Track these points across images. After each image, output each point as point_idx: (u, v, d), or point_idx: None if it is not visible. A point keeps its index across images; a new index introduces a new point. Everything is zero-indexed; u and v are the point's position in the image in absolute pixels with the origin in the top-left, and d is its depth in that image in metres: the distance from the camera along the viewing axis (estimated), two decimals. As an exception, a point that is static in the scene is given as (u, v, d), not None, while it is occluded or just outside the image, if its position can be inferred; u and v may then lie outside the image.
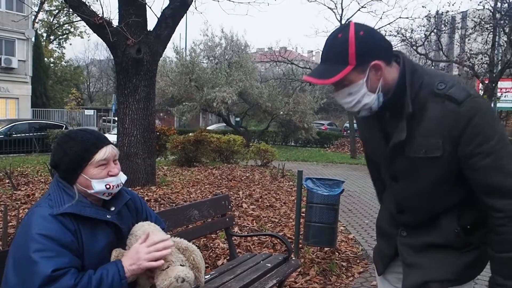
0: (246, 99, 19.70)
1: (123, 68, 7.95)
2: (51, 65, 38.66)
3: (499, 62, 15.51)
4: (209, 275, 2.78)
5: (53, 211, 1.58)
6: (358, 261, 4.58)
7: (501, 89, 15.79)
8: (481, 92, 16.75)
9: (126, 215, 1.83)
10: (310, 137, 21.76)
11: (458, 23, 14.90)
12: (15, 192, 7.23)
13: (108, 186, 1.67)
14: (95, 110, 34.23)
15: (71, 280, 1.50)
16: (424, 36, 17.21)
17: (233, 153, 12.94)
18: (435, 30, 16.71)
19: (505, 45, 15.30)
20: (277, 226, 5.68)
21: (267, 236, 4.90)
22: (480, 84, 15.73)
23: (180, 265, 1.63)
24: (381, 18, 32.94)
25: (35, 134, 17.59)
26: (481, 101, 1.40)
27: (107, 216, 1.70)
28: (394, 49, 1.49)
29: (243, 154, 13.32)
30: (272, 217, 6.11)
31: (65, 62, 43.06)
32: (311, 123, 21.54)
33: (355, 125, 20.42)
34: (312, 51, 38.29)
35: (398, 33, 17.38)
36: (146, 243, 1.64)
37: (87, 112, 32.67)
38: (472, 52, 13.86)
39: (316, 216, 4.26)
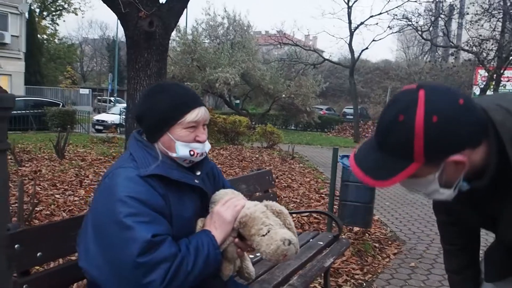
0: (248, 81, 19.39)
1: (134, 42, 7.59)
2: (44, 42, 37.74)
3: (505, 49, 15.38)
4: (260, 253, 2.61)
5: (141, 172, 1.39)
6: (389, 242, 4.45)
7: (506, 78, 15.65)
8: (481, 81, 16.68)
9: (206, 182, 1.64)
10: (312, 121, 21.56)
11: (468, 7, 14.68)
12: (19, 168, 6.98)
13: (192, 153, 1.48)
14: (90, 90, 33.63)
15: (171, 248, 1.32)
16: (430, 21, 17.01)
17: (238, 135, 12.73)
18: (441, 16, 16.51)
19: (510, 33, 15.15)
20: (299, 206, 5.53)
21: (298, 215, 4.74)
22: (485, 72, 15.61)
23: (279, 228, 1.46)
24: (388, 1, 31.87)
25: (31, 111, 17.15)
26: None
27: (195, 181, 1.51)
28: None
29: (248, 136, 13.12)
30: (292, 198, 5.96)
31: (58, 40, 42.08)
32: (312, 106, 21.34)
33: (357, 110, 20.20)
34: (308, 35, 37.62)
35: (403, 17, 17.17)
36: (219, 204, 1.51)
37: (82, 91, 32.09)
38: (482, 37, 13.66)
39: (352, 195, 4.10)
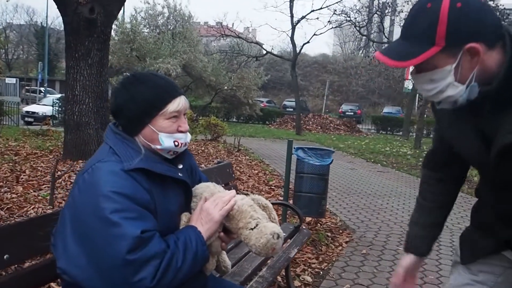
0: (190, 72, 19.07)
1: (73, 29, 7.22)
2: (-37, 26, 34.57)
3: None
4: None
5: (125, 166, 1.32)
6: (340, 231, 4.62)
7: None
8: (410, 75, 17.67)
9: (186, 174, 1.59)
10: (254, 114, 21.69)
11: (403, 5, 15.50)
12: None
13: (176, 143, 1.43)
14: (18, 79, 31.31)
15: (161, 244, 1.27)
16: (367, 17, 17.72)
17: (182, 127, 12.49)
18: (378, 12, 17.26)
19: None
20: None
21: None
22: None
23: (267, 222, 1.47)
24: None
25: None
26: None
27: (179, 174, 1.47)
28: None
29: (192, 128, 12.94)
30: (243, 190, 5.97)
31: (-21, 24, 38.76)
32: (254, 99, 21.46)
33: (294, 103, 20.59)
34: (248, 27, 37.74)
35: (342, 13, 17.72)
36: (210, 199, 1.47)
37: (8, 80, 29.74)
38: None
39: (306, 186, 4.19)
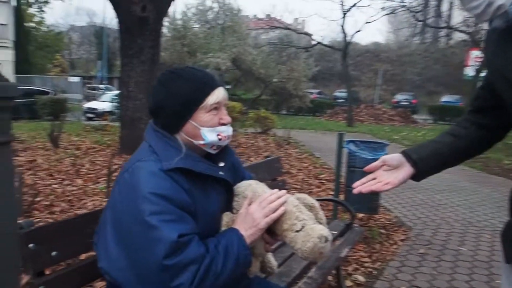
0: (239, 66, 19.16)
1: (127, 28, 7.45)
2: (32, 30, 36.87)
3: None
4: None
5: (164, 166, 1.28)
6: (395, 228, 4.41)
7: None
8: (473, 63, 16.58)
9: (228, 173, 1.54)
10: (304, 105, 21.46)
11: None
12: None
13: (219, 137, 1.38)
14: (81, 77, 33.02)
15: (200, 248, 1.23)
16: (423, 2, 16.89)
17: (232, 120, 12.58)
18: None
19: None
20: (301, 193, 5.47)
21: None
22: (480, 53, 15.55)
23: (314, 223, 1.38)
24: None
25: (22, 100, 16.75)
26: None
27: (220, 173, 1.42)
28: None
29: (242, 122, 12.98)
30: (292, 184, 5.89)
31: (46, 28, 41.17)
32: (304, 91, 21.23)
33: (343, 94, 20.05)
34: (297, 18, 37.17)
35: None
36: (256, 202, 1.38)
37: (72, 79, 31.46)
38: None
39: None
